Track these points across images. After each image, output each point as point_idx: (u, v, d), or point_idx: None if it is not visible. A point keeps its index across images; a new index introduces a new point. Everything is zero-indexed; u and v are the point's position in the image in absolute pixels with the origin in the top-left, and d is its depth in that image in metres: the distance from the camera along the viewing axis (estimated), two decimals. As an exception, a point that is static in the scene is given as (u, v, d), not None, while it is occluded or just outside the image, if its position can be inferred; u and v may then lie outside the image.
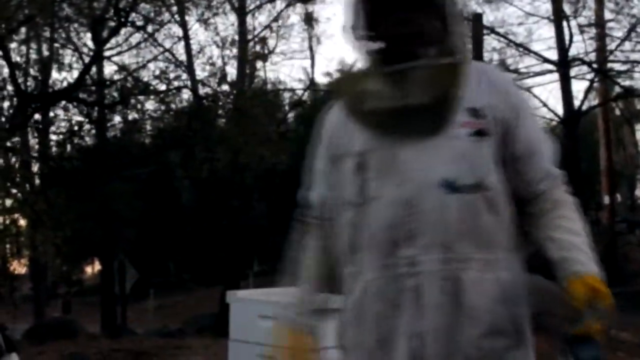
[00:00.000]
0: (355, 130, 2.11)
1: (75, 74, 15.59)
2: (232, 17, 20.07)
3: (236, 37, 19.52)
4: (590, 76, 19.22)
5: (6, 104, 14.99)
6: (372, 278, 2.07)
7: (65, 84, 15.57)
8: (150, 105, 17.44)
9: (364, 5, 2.10)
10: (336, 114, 2.20)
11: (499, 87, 2.10)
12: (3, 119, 14.85)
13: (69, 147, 17.63)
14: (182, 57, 19.42)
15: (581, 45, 19.98)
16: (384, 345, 2.05)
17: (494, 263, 2.04)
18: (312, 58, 24.64)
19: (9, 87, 14.99)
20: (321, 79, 22.14)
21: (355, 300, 2.11)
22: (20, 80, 15.09)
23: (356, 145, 2.11)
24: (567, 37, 17.73)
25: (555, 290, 2.06)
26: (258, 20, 21.04)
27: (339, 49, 40.21)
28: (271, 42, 21.21)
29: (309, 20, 21.99)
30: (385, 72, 2.08)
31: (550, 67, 18.01)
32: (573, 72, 18.56)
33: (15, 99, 14.97)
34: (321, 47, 58.24)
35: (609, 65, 18.77)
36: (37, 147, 17.46)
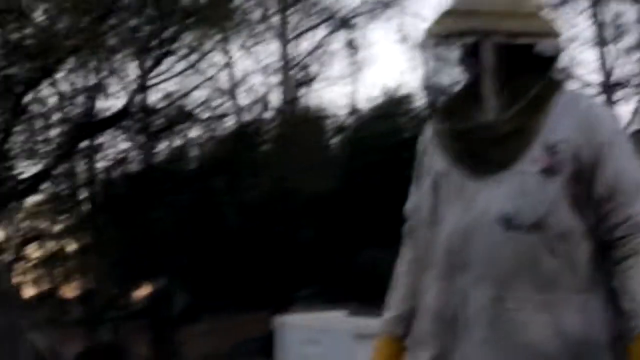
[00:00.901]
0: (438, 150, 2.13)
1: (121, 102, 15.84)
2: (275, 45, 20.26)
3: (279, 64, 19.68)
4: (636, 98, 19.06)
5: (54, 132, 15.24)
6: (433, 299, 2.10)
7: (111, 112, 15.80)
8: (195, 132, 17.68)
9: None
10: (429, 131, 2.22)
11: (584, 121, 2.01)
12: (51, 148, 15.09)
13: (116, 173, 17.88)
14: (226, 84, 19.61)
15: (625, 69, 19.71)
16: None
17: (555, 305, 1.97)
18: (355, 84, 24.67)
19: (57, 116, 15.26)
20: (364, 104, 22.09)
21: (420, 318, 2.16)
22: (67, 109, 15.35)
23: (435, 165, 2.14)
24: (610, 61, 17.64)
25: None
26: (301, 47, 21.18)
27: (381, 75, 40.13)
28: (314, 69, 21.33)
29: (352, 46, 22.09)
30: (470, 99, 2.08)
31: (594, 90, 17.90)
32: (617, 95, 18.40)
33: (63, 128, 15.22)
34: (364, 72, 58.19)
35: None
36: (84, 174, 17.69)
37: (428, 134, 2.23)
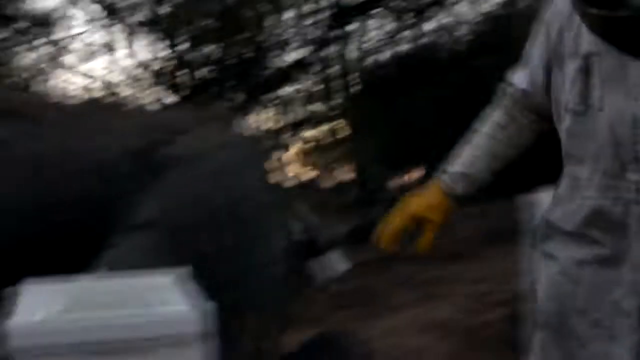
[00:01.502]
0: (583, 29, 1.90)
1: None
2: None
3: None
4: None
5: (322, 15, 15.51)
6: (595, 197, 1.90)
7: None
8: (463, 8, 17.37)
9: None
10: (565, 5, 1.97)
11: None
12: (320, 31, 15.41)
13: (384, 55, 17.97)
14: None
15: None
16: (607, 265, 1.88)
17: None
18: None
19: (326, 1, 15.52)
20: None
21: (573, 215, 1.96)
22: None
23: (583, 47, 1.91)
24: None
25: None
26: None
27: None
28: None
29: None
30: None
31: None
32: None
33: (331, 10, 15.46)
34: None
35: None
36: (353, 56, 17.93)
37: (562, 9, 1.99)
